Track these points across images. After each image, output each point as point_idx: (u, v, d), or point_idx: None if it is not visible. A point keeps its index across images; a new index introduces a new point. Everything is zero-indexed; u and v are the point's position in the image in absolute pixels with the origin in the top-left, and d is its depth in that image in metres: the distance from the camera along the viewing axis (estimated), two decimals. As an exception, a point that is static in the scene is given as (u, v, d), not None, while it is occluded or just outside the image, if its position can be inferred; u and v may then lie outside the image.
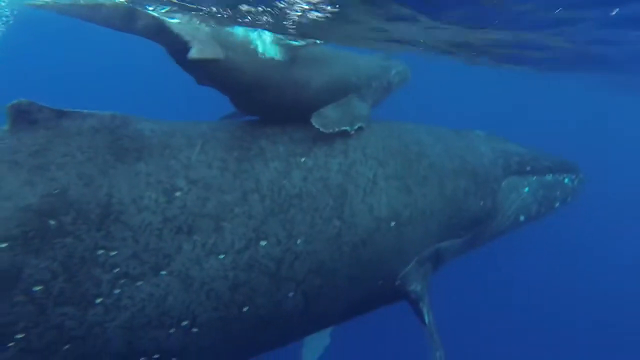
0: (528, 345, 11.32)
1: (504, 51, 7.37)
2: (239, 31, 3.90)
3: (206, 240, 3.48)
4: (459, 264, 5.51)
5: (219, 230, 3.52)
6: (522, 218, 5.27)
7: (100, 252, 3.17)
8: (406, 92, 5.19)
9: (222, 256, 3.50)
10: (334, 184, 3.93)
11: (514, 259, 12.23)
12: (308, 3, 4.33)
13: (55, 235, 3.07)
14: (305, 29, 4.91)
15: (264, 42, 3.89)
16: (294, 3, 4.28)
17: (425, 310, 4.30)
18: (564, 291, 12.78)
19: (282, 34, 4.17)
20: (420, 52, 7.36)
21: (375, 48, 6.53)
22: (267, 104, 4.07)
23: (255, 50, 3.83)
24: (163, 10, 4.50)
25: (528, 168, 5.21)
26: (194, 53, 3.45)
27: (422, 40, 6.18)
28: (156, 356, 3.39)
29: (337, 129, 4.03)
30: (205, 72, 3.78)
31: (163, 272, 3.34)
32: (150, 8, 4.35)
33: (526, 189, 5.20)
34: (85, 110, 3.47)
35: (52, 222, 3.07)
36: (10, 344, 2.95)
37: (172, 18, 3.99)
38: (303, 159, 3.92)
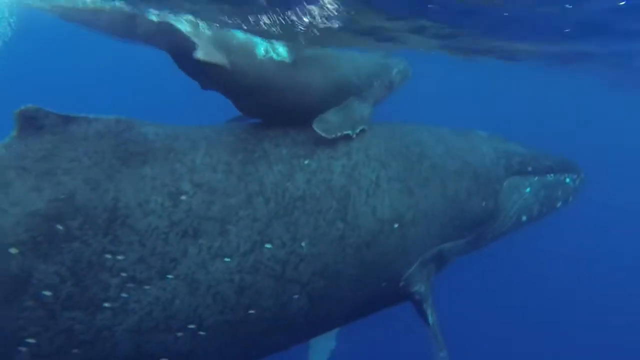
0: (532, 346, 11.32)
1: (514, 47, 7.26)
2: (240, 34, 3.93)
3: (212, 243, 3.50)
4: (462, 265, 5.53)
5: (224, 234, 3.54)
6: (524, 218, 5.28)
7: (108, 256, 3.20)
8: (408, 89, 5.19)
9: (227, 259, 3.52)
10: (337, 186, 3.95)
11: (517, 259, 12.22)
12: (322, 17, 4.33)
13: (63, 240, 3.09)
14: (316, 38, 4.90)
15: (265, 45, 3.93)
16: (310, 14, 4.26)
17: (429, 311, 4.31)
18: (568, 292, 12.77)
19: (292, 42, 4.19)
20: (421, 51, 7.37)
21: (375, 48, 6.54)
22: (269, 107, 4.10)
23: (256, 53, 3.87)
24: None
25: (529, 168, 5.23)
26: (200, 54, 3.50)
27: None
28: (164, 359, 3.41)
29: (339, 134, 4.07)
30: (208, 74, 3.82)
31: (170, 276, 3.36)
32: (155, 12, 4.39)
33: (528, 189, 5.21)
34: (90, 115, 3.50)
35: (59, 227, 3.09)
36: (23, 349, 2.98)
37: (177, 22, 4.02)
38: (306, 162, 3.94)
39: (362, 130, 4.23)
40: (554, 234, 12.22)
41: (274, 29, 4.51)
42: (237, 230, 3.57)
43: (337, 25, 4.68)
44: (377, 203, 4.04)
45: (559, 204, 5.48)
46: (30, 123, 3.26)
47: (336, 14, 4.53)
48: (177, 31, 3.62)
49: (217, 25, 4.26)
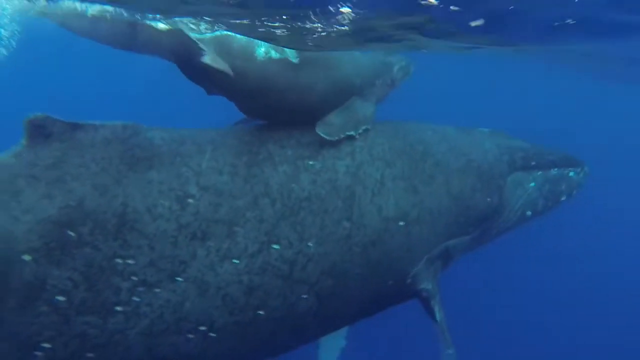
0: (539, 344, 11.29)
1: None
2: (240, 36, 3.96)
3: (220, 245, 3.54)
4: (468, 262, 5.55)
5: (232, 235, 3.58)
6: (528, 213, 5.30)
7: (118, 260, 3.24)
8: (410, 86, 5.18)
9: (236, 261, 3.56)
10: (342, 185, 3.99)
11: (525, 257, 12.19)
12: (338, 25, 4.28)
13: (75, 246, 3.14)
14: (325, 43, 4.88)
15: (266, 47, 3.96)
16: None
17: (436, 308, 4.34)
18: (577, 291, 12.71)
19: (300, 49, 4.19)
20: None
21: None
22: (272, 109, 4.13)
23: (256, 55, 3.90)
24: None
25: (533, 163, 5.25)
26: (208, 60, 3.57)
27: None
28: None
29: (342, 136, 4.11)
30: (213, 80, 3.85)
31: (179, 279, 3.40)
32: (161, 19, 4.41)
33: (532, 184, 5.23)
34: (97, 122, 3.54)
35: (71, 233, 3.14)
36: (38, 353, 3.03)
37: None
38: (311, 162, 3.98)
39: (366, 130, 4.27)
40: (564, 231, 12.19)
41: (283, 33, 4.50)
42: (244, 232, 3.61)
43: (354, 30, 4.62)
44: (382, 202, 4.07)
45: (563, 198, 5.50)
46: (39, 131, 3.31)
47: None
48: (186, 38, 3.66)
49: (220, 28, 4.27)
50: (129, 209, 3.34)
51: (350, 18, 4.15)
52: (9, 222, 3.03)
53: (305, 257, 3.75)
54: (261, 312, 3.63)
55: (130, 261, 3.27)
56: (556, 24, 4.72)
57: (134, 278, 3.27)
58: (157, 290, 3.33)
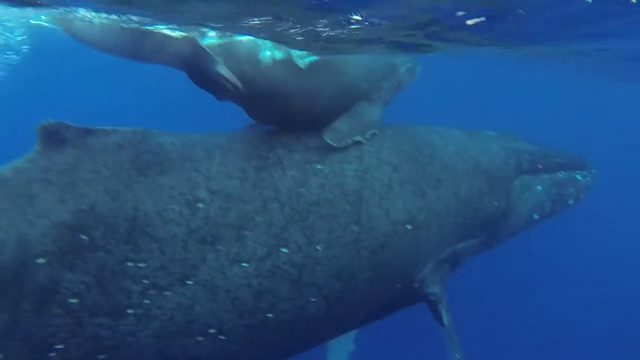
0: (547, 348, 11.21)
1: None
2: (245, 40, 4.00)
3: (229, 249, 3.58)
4: (476, 265, 5.54)
5: (241, 239, 3.62)
6: (536, 216, 5.30)
7: (130, 264, 3.29)
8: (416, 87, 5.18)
9: (245, 264, 3.59)
10: (351, 189, 4.01)
11: (534, 261, 12.13)
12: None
13: (88, 250, 3.20)
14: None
15: (270, 49, 4.00)
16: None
17: (444, 312, 4.35)
18: (585, 295, 12.60)
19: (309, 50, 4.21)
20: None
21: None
22: (279, 113, 4.17)
23: (262, 60, 3.95)
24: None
25: (540, 166, 5.25)
26: (222, 70, 3.65)
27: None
28: None
29: (349, 142, 4.15)
30: (223, 88, 3.89)
31: (189, 282, 3.44)
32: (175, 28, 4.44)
33: (539, 187, 5.23)
34: (109, 127, 3.60)
35: (84, 237, 3.20)
36: (51, 355, 3.08)
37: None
38: (319, 166, 4.01)
39: (373, 134, 4.30)
40: (573, 233, 12.11)
41: (297, 36, 4.51)
42: (253, 236, 3.65)
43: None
44: (390, 205, 4.10)
45: (570, 201, 5.49)
46: (52, 137, 3.37)
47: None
48: (198, 47, 3.72)
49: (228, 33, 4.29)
50: (140, 213, 3.39)
51: (360, 24, 4.17)
52: (24, 226, 3.09)
53: (314, 261, 3.78)
54: (270, 315, 3.67)
55: (141, 265, 3.32)
56: (562, 23, 4.72)
57: (145, 281, 3.32)
58: (168, 293, 3.38)
